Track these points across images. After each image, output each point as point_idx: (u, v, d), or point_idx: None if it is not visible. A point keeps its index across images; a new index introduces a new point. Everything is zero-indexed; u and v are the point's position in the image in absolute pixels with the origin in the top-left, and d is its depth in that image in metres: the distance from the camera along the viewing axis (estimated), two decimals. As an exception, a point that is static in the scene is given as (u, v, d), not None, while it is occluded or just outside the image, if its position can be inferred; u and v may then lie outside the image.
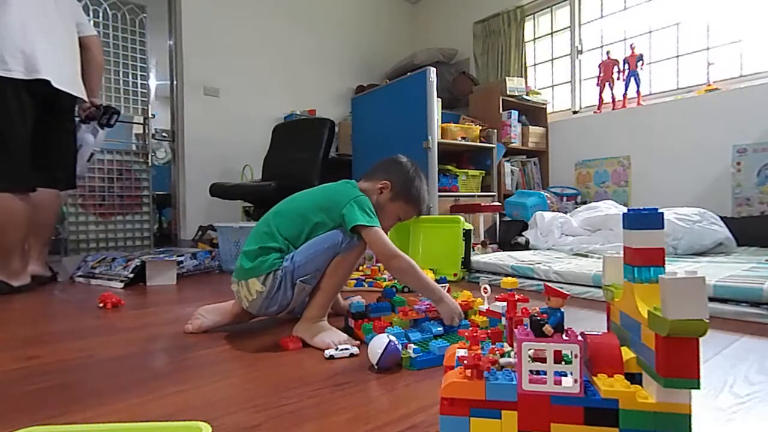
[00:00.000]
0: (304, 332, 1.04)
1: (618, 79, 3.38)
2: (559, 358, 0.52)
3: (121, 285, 1.91)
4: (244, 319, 1.19)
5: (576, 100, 3.81)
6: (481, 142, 3.28)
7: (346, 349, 0.94)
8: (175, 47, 3.51)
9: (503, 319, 0.87)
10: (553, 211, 3.04)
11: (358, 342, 1.00)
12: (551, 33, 3.99)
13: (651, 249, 0.53)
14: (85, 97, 2.05)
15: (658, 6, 3.29)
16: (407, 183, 1.20)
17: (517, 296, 0.80)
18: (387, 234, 1.10)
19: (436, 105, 2.80)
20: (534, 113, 3.83)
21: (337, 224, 1.07)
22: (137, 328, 1.24)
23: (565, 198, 3.43)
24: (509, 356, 0.59)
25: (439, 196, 2.86)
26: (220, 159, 3.62)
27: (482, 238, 2.66)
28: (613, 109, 3.41)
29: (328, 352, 0.94)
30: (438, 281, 1.62)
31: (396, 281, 1.81)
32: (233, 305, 1.16)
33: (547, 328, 0.55)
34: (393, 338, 0.85)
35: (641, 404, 0.49)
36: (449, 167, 3.15)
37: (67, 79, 1.91)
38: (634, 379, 0.53)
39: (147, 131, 3.42)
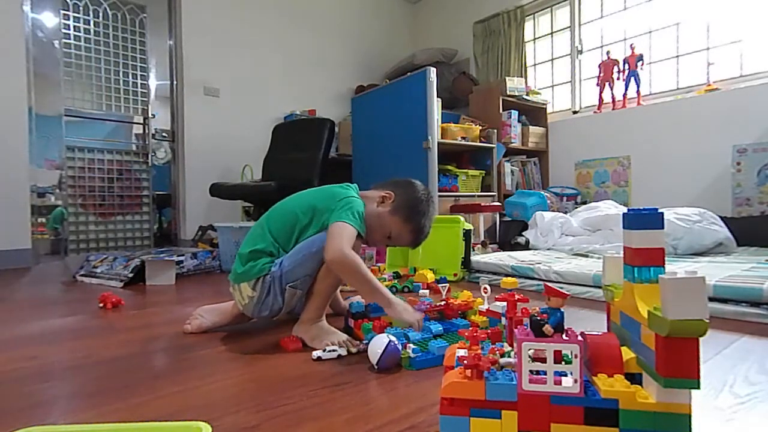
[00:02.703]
0: (303, 333, 1.04)
1: (618, 79, 3.38)
2: (559, 358, 0.52)
3: (121, 284, 1.91)
4: (243, 320, 1.19)
5: (576, 100, 3.80)
6: (481, 142, 3.28)
7: (334, 350, 0.94)
8: (175, 47, 3.51)
9: (503, 319, 0.87)
10: (553, 211, 3.04)
11: (358, 342, 1.00)
12: (551, 33, 3.99)
13: (651, 249, 0.53)
14: None
15: (658, 6, 3.28)
16: (412, 201, 1.12)
17: (517, 296, 0.80)
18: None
19: (436, 105, 2.80)
20: (534, 113, 3.83)
21: (325, 227, 1.05)
22: (137, 328, 1.23)
23: (565, 198, 3.43)
24: (509, 356, 0.59)
25: (439, 196, 2.86)
26: (220, 159, 3.62)
27: (482, 238, 2.66)
28: (613, 109, 3.40)
29: (315, 354, 0.93)
30: (438, 281, 1.62)
31: (395, 281, 1.81)
32: (233, 306, 1.16)
33: (547, 328, 0.55)
34: (393, 338, 0.86)
35: (641, 404, 0.49)
36: (449, 167, 3.15)
37: None
38: (634, 379, 0.53)
39: (147, 131, 3.42)
